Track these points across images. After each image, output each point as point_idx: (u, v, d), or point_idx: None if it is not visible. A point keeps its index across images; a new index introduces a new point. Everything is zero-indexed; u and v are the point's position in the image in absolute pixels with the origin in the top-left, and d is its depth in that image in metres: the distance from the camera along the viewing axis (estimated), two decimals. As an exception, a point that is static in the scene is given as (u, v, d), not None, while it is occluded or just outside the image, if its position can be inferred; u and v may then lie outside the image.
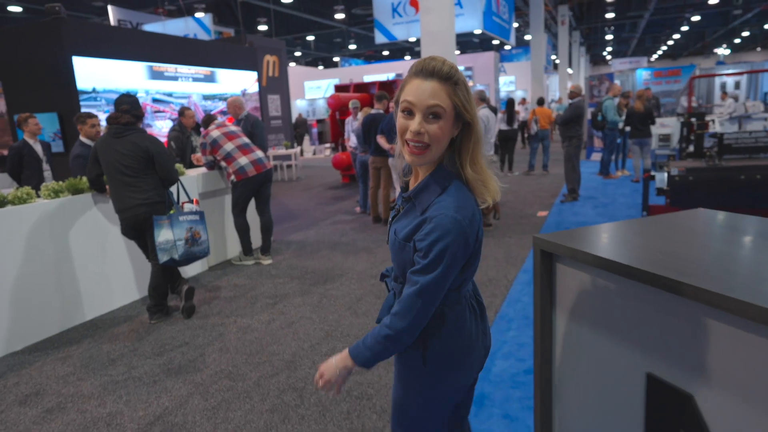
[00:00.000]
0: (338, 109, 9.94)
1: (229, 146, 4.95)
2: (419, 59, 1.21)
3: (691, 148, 6.02)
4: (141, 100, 7.43)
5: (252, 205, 5.27)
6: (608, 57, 41.99)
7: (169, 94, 8.00)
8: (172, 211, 3.68)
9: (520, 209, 7.08)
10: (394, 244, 1.27)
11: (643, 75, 14.68)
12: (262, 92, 12.26)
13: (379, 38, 15.80)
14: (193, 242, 3.71)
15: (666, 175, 5.57)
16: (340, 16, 20.16)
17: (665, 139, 9.13)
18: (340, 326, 3.57)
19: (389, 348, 1.21)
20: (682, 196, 5.20)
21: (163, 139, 5.81)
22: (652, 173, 5.91)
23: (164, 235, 3.57)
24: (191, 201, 3.89)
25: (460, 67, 18.33)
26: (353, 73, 21.83)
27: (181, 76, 8.05)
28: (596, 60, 45.02)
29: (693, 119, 5.87)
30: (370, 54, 32.65)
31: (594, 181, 8.95)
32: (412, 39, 23.79)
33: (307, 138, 18.76)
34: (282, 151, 11.78)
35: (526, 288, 4.10)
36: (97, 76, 6.61)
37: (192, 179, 4.94)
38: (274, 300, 4.15)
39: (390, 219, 1.36)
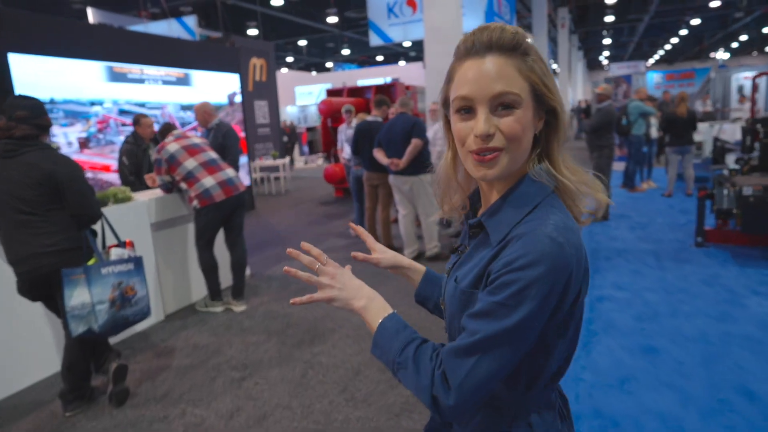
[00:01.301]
0: (330, 115, 8.91)
1: (190, 163, 3.88)
2: (465, 35, 0.79)
3: (753, 160, 5.01)
4: (104, 112, 6.36)
5: (221, 237, 4.20)
6: (605, 62, 41.32)
7: (141, 104, 6.92)
8: (91, 261, 2.60)
9: (591, 218, 6.04)
10: (452, 296, 0.85)
11: (654, 78, 13.77)
12: (249, 98, 11.23)
13: (374, 40, 14.84)
14: (123, 303, 2.63)
15: (727, 192, 4.55)
16: (332, 19, 19.24)
17: (697, 147, 8.14)
18: (331, 424, 2.50)
19: (409, 385, 0.81)
20: (759, 220, 4.18)
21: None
22: (709, 190, 4.89)
23: (78, 296, 2.49)
24: (122, 244, 2.81)
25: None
26: (347, 78, 20.83)
27: (149, 78, 6.97)
28: (592, 65, 44.40)
29: (758, 125, 4.87)
30: (364, 59, 31.79)
31: (618, 194, 7.93)
32: (407, 43, 22.85)
33: (296, 147, 17.64)
34: (269, 162, 10.72)
35: (578, 352, 3.04)
36: (41, 77, 5.54)
37: (142, 206, 3.87)
38: (243, 373, 3.08)
39: (448, 267, 0.94)
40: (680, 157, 7.30)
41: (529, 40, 0.78)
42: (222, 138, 4.66)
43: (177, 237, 4.21)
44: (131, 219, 3.78)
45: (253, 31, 20.37)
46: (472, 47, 0.78)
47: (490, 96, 0.76)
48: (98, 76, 6.22)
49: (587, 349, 3.07)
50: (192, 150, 3.93)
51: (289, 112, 20.99)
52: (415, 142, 4.67)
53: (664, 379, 2.67)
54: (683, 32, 28.77)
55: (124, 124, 6.66)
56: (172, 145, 3.91)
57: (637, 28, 27.19)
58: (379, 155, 4.91)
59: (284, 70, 25.82)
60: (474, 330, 0.74)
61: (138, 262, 2.77)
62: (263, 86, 11.97)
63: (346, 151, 6.67)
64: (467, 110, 0.78)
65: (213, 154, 4.03)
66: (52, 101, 5.88)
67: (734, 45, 33.80)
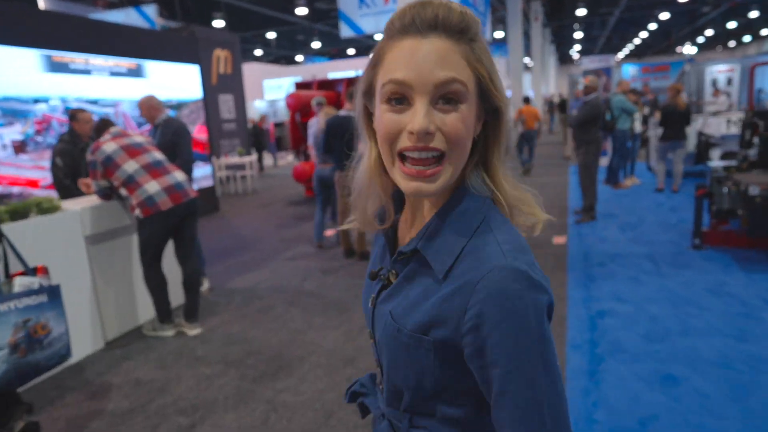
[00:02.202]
0: (299, 109, 8.35)
1: (130, 166, 3.32)
2: (400, 8, 0.65)
3: (751, 156, 4.70)
4: (47, 111, 5.66)
5: (171, 250, 3.66)
6: (576, 55, 41.57)
7: (93, 101, 6.23)
8: (-14, 296, 2.06)
9: (527, 233, 5.64)
10: (393, 338, 0.70)
11: (629, 71, 13.64)
12: (212, 91, 10.58)
13: (345, 32, 14.33)
14: (30, 346, 2.09)
15: (728, 191, 4.22)
16: (302, 11, 18.63)
17: (680, 141, 7.87)
18: (297, 492, 2.03)
19: None
20: (765, 222, 3.85)
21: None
22: (707, 188, 4.56)
23: (-33, 342, 1.94)
24: (31, 271, 2.26)
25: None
26: (318, 71, 20.22)
27: (95, 69, 6.31)
28: (564, 59, 44.67)
29: (757, 119, 4.55)
30: (336, 53, 31.19)
31: (602, 191, 7.61)
32: (379, 36, 22.42)
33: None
34: (235, 160, 10.09)
35: (587, 382, 2.62)
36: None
37: (73, 217, 3.29)
38: (192, 418, 2.56)
39: (373, 295, 0.77)
40: (671, 153, 7.02)
41: (478, 22, 0.65)
42: (172, 136, 4.09)
43: (119, 251, 3.64)
44: (60, 232, 3.21)
45: (219, 23, 19.62)
46: (411, 24, 0.63)
47: (434, 83, 0.62)
48: (34, 66, 5.54)
49: (595, 379, 2.65)
50: (132, 150, 3.37)
51: (257, 107, 20.26)
52: None
53: (692, 420, 2.27)
54: (652, 26, 29.06)
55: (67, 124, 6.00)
56: (108, 145, 3.34)
57: (608, 22, 27.32)
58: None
59: (253, 63, 25.00)
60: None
61: (53, 292, 2.23)
62: (228, 79, 11.30)
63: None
64: (399, 100, 0.64)
65: (158, 155, 3.47)
66: None
67: (700, 40, 34.34)
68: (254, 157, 10.74)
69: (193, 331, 3.58)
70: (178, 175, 3.45)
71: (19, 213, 3.03)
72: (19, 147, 5.40)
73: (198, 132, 8.24)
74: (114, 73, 6.55)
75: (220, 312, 3.93)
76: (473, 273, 0.62)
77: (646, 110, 9.45)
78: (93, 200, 3.57)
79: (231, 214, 8.13)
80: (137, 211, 3.31)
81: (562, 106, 15.79)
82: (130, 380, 2.99)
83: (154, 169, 3.37)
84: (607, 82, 11.62)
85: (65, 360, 2.26)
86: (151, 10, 14.91)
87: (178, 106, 7.84)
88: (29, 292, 2.11)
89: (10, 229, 2.93)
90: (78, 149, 3.88)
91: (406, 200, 0.76)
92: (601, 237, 5.31)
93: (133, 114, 6.97)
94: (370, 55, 0.69)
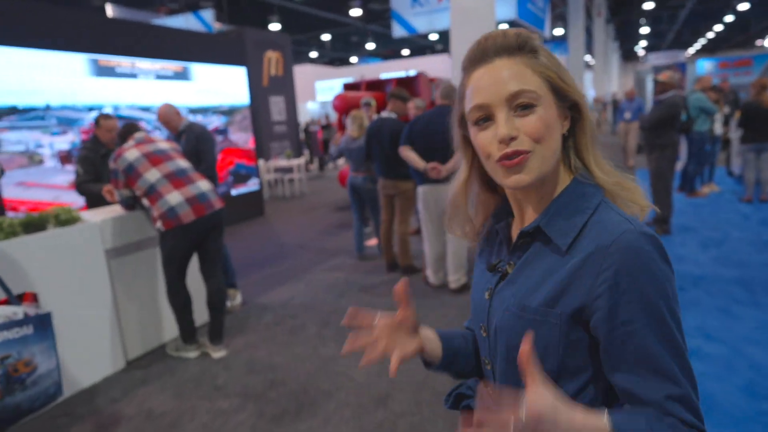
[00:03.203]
0: (346, 111, 8.05)
1: (152, 175, 3.07)
2: (468, 49, 0.78)
3: None
4: (91, 119, 5.62)
5: (195, 266, 3.39)
6: (641, 52, 39.35)
7: (146, 108, 6.17)
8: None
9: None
10: (517, 318, 0.74)
11: (705, 66, 12.50)
12: (263, 93, 10.51)
13: (398, 31, 14.03)
14: (8, 387, 1.82)
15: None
16: (356, 12, 18.51)
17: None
18: None
19: None
20: None
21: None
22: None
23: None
24: (14, 299, 2.00)
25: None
26: (370, 71, 19.97)
27: (141, 72, 6.25)
28: (627, 56, 42.43)
29: None
30: (389, 53, 30.95)
31: (676, 200, 6.84)
32: (434, 36, 21.89)
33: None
34: (283, 162, 9.94)
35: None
36: (9, 72, 4.84)
37: (93, 229, 3.08)
38: (198, 466, 2.25)
39: (490, 287, 0.81)
40: (756, 156, 6.20)
41: (535, 38, 0.75)
42: (195, 142, 3.85)
43: (142, 264, 3.41)
44: (79, 245, 3.00)
45: (275, 26, 19.83)
46: (480, 54, 0.75)
47: (506, 97, 0.71)
48: (80, 72, 5.49)
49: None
50: (155, 158, 3.12)
51: (309, 109, 20.27)
52: None
53: None
54: (729, 18, 26.98)
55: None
56: (131, 152, 3.11)
57: (679, 15, 25.58)
58: (411, 156, 3.88)
59: (308, 65, 25.16)
60: (677, 395, 0.65)
61: (41, 322, 1.96)
62: (279, 81, 11.20)
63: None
64: (485, 119, 0.73)
65: (183, 164, 3.21)
66: (47, 107, 5.19)
67: (784, 32, 31.60)
68: (302, 160, 10.55)
69: (218, 353, 3.30)
70: (203, 185, 3.18)
71: (35, 225, 2.84)
72: (65, 158, 5.36)
73: (246, 141, 8.07)
74: (160, 76, 6.47)
75: (248, 331, 3.64)
76: (603, 239, 0.67)
77: (727, 109, 8.53)
78: (115, 211, 3.36)
79: (275, 218, 7.93)
80: (158, 224, 3.06)
81: (615, 105, 14.84)
82: (142, 411, 2.72)
83: (177, 179, 3.11)
84: (682, 78, 10.66)
85: (55, 399, 2.00)
86: (208, 14, 15.16)
87: (230, 111, 7.71)
88: (10, 324, 1.85)
89: (26, 242, 2.74)
90: (99, 156, 3.69)
91: (515, 205, 0.81)
92: (678, 255, 4.66)
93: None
94: (458, 91, 0.80)
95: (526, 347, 0.58)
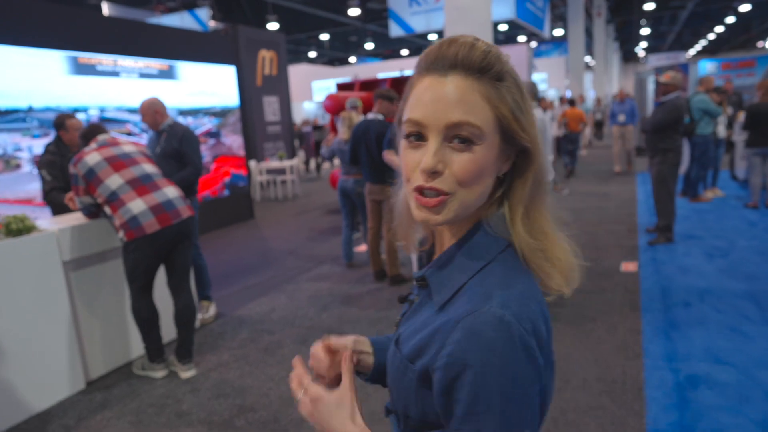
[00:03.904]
0: (338, 112, 7.80)
1: (114, 181, 2.83)
2: (430, 46, 0.68)
3: None
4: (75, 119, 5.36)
5: (163, 279, 3.15)
6: (641, 53, 39.13)
7: (133, 110, 5.89)
8: None
9: (591, 257, 4.81)
10: (391, 362, 0.74)
11: (707, 67, 12.26)
12: (257, 93, 10.28)
13: (395, 31, 13.81)
14: None
15: None
16: (354, 11, 18.33)
17: None
18: None
19: None
20: None
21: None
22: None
23: None
24: None
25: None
26: (368, 71, 19.71)
27: (124, 70, 6.01)
28: (628, 57, 42.23)
29: None
30: (389, 53, 30.77)
31: (679, 205, 6.60)
32: (433, 36, 21.71)
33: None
34: (276, 164, 9.69)
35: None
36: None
37: (49, 239, 2.83)
38: None
39: (399, 317, 0.80)
40: (762, 161, 5.96)
41: (505, 61, 0.65)
42: (179, 143, 3.61)
43: (107, 276, 3.16)
44: (34, 257, 2.76)
45: (273, 25, 19.63)
46: (434, 62, 0.65)
47: (445, 125, 0.62)
48: (58, 70, 5.25)
49: (694, 494, 1.89)
50: (118, 163, 2.88)
51: (306, 109, 20.03)
52: None
53: None
54: (730, 20, 26.76)
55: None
56: (91, 156, 2.87)
57: (680, 16, 25.37)
58: (396, 161, 3.68)
59: (305, 65, 24.94)
60: None
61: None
62: (274, 80, 10.96)
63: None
64: (418, 136, 0.65)
65: (148, 168, 2.97)
66: (30, 109, 4.94)
67: (784, 33, 31.36)
68: (295, 161, 10.31)
69: (186, 373, 3.05)
70: (170, 192, 2.94)
71: (-18, 236, 2.59)
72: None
73: (241, 145, 7.79)
74: (144, 75, 6.23)
75: (220, 348, 3.39)
76: (461, 311, 0.62)
77: (730, 111, 8.30)
78: (77, 219, 3.11)
79: (265, 222, 7.68)
80: (121, 234, 2.81)
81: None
82: (96, 440, 2.48)
83: (142, 185, 2.86)
84: (684, 79, 10.40)
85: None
86: (204, 13, 14.96)
87: (223, 113, 7.46)
88: None
89: (-31, 254, 2.50)
90: (66, 160, 3.45)
91: (435, 231, 0.77)
92: (682, 266, 4.41)
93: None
94: (406, 88, 0.70)
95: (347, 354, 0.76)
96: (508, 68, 0.65)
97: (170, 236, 2.88)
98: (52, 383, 2.85)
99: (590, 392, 2.59)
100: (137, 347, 3.30)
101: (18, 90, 4.91)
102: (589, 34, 22.78)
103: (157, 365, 3.07)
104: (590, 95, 22.02)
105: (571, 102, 10.85)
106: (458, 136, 0.62)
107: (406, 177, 0.67)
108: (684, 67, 10.78)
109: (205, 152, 7.22)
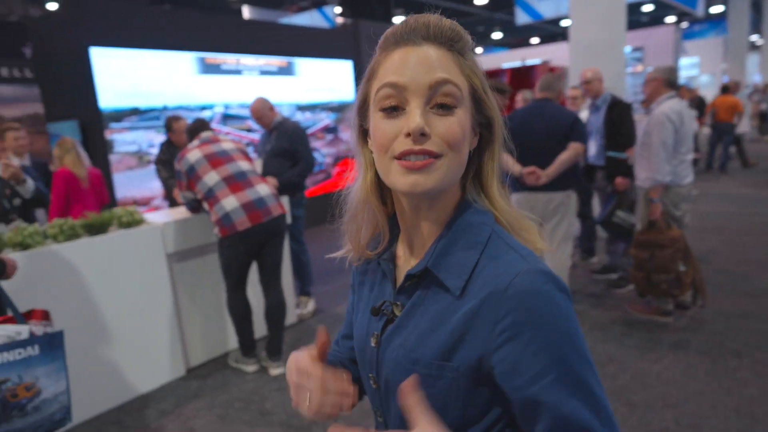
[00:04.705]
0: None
1: (211, 178, 2.90)
2: (393, 26, 0.67)
3: None
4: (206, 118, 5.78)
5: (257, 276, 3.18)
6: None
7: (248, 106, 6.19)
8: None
9: (737, 273, 4.05)
10: (408, 373, 0.64)
11: None
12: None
13: (521, 18, 13.18)
14: (6, 412, 1.69)
15: None
16: (481, 1, 17.81)
17: None
18: None
19: None
20: None
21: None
22: None
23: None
24: (21, 317, 1.87)
25: (627, 47, 14.58)
26: (493, 61, 19.03)
27: (246, 68, 6.34)
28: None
29: None
30: (517, 43, 29.53)
31: None
32: (566, 22, 20.44)
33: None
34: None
35: None
36: (126, 72, 5.11)
37: (155, 232, 3.00)
38: None
39: (376, 333, 0.72)
40: None
41: (468, 37, 0.67)
42: (289, 142, 3.65)
43: (207, 269, 3.29)
44: (140, 249, 2.94)
45: (399, 19, 19.73)
46: (404, 35, 0.64)
47: (429, 84, 0.61)
48: (189, 70, 5.66)
49: None
50: (216, 160, 2.95)
51: (428, 102, 19.97)
52: (576, 148, 3.15)
53: None
54: None
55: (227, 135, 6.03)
56: (193, 153, 2.97)
57: None
58: (504, 159, 3.36)
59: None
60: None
61: (50, 343, 1.81)
62: (393, 75, 10.98)
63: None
64: (394, 108, 0.63)
65: (244, 165, 3.00)
66: (164, 108, 5.42)
67: None
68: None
69: (275, 370, 3.07)
70: (262, 189, 2.95)
71: (97, 227, 2.80)
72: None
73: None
74: (264, 72, 6.52)
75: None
76: (498, 281, 0.60)
77: None
78: (180, 213, 3.27)
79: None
80: (216, 230, 2.89)
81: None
82: (184, 430, 2.56)
83: (236, 182, 2.90)
84: None
85: (63, 425, 1.85)
86: (331, 10, 15.52)
87: (340, 108, 7.62)
88: (11, 346, 1.71)
89: (86, 244, 2.71)
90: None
91: (403, 227, 0.73)
92: None
93: (295, 119, 6.89)
94: (366, 72, 0.68)
95: (409, 383, 0.57)
96: (471, 44, 0.67)
97: (261, 234, 2.89)
98: (155, 368, 3.02)
99: (724, 448, 2.11)
100: (234, 339, 3.40)
101: (155, 90, 5.38)
102: (756, 8, 19.69)
103: (249, 359, 3.13)
104: (755, 79, 19.08)
105: (724, 89, 9.41)
106: (439, 103, 0.62)
107: (383, 147, 0.63)
108: None
109: (324, 149, 7.40)
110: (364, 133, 0.71)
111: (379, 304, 0.72)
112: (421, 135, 0.60)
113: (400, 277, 0.72)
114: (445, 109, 0.62)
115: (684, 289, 3.24)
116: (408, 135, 0.60)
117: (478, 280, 0.62)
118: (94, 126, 5.01)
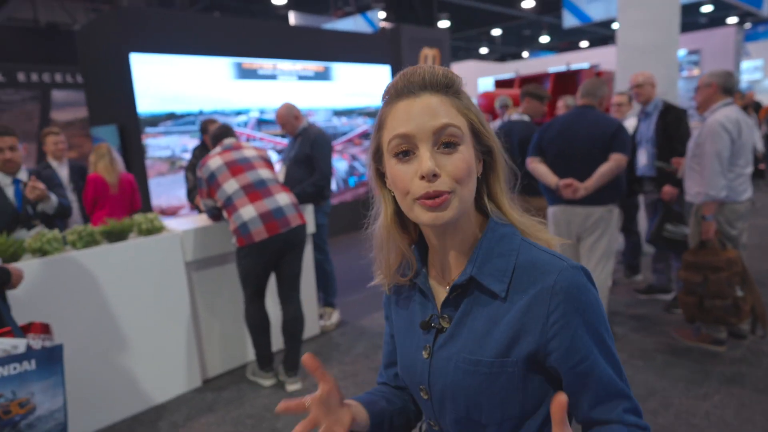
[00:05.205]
0: (493, 111, 7.30)
1: (230, 186, 2.83)
2: (393, 79, 0.78)
3: None
4: (239, 125, 5.80)
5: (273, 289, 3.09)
6: None
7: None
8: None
9: None
10: (470, 375, 0.75)
11: None
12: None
13: (569, 21, 12.76)
14: (0, 430, 1.64)
15: None
16: (528, 4, 17.41)
17: None
18: None
19: None
20: None
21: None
22: None
23: None
24: (19, 330, 1.82)
25: (682, 50, 13.85)
26: (537, 66, 18.55)
27: (282, 73, 6.32)
28: None
29: None
30: (565, 46, 28.72)
31: None
32: (616, 25, 19.78)
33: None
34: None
35: None
36: (164, 77, 5.17)
37: (173, 240, 2.95)
38: None
39: (428, 345, 0.81)
40: None
41: (461, 83, 0.77)
42: (310, 148, 3.55)
43: (225, 279, 3.22)
44: (159, 256, 2.89)
45: (444, 23, 19.62)
46: (404, 88, 0.74)
47: (433, 129, 0.71)
48: (226, 75, 5.69)
49: None
50: (236, 168, 2.87)
51: (471, 107, 19.61)
52: (617, 159, 2.91)
53: None
54: None
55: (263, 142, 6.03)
56: (214, 160, 2.91)
57: None
58: (541, 170, 3.11)
59: (473, 61, 24.52)
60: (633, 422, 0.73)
61: (48, 356, 1.76)
62: (434, 80, 10.80)
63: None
64: (406, 153, 0.73)
65: (264, 174, 2.91)
66: (200, 113, 5.47)
67: None
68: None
69: (291, 386, 2.96)
70: (281, 199, 2.85)
71: (116, 234, 2.78)
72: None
73: None
74: (302, 77, 6.49)
75: (333, 362, 3.25)
76: (543, 280, 0.71)
77: None
78: (200, 221, 3.22)
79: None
80: (233, 239, 2.81)
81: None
82: (193, 446, 2.49)
83: (255, 191, 2.82)
84: None
85: (59, 442, 1.78)
86: (375, 15, 15.48)
87: (377, 113, 7.52)
88: (6, 360, 1.66)
89: (105, 251, 2.69)
90: (207, 163, 3.62)
91: (432, 250, 0.82)
92: None
93: (330, 124, 6.85)
94: (375, 122, 0.79)
95: (561, 398, 0.61)
96: (462, 84, 0.77)
97: (279, 245, 2.79)
98: (171, 378, 2.97)
99: None
100: (252, 350, 3.32)
101: (191, 95, 5.43)
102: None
103: (266, 373, 3.03)
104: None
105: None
106: (444, 142, 0.71)
107: (404, 190, 0.72)
108: None
109: (361, 156, 7.29)
110: (380, 175, 0.80)
111: (428, 318, 0.81)
112: (433, 176, 0.69)
113: (437, 294, 0.81)
114: (450, 147, 0.71)
115: (743, 317, 2.92)
116: (422, 177, 0.70)
117: (520, 282, 0.73)
118: (132, 130, 5.09)
